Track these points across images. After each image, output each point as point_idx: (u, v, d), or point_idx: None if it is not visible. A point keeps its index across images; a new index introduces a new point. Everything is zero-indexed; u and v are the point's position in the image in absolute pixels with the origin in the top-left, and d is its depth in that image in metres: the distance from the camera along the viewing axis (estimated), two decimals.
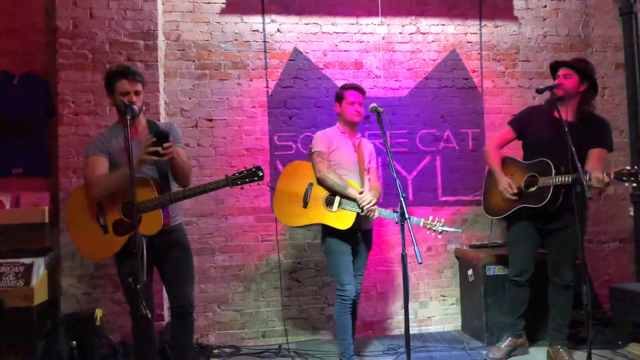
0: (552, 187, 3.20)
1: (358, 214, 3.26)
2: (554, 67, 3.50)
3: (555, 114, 3.29)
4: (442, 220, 3.28)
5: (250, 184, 2.85)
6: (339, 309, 3.34)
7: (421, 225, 3.27)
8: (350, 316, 3.35)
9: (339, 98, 3.51)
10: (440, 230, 3.24)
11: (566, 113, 3.20)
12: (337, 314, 3.35)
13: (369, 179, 3.52)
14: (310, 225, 3.44)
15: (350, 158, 3.44)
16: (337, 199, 3.30)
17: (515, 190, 3.38)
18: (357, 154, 3.48)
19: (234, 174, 2.84)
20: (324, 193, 3.34)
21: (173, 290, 3.06)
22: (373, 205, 3.25)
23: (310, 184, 3.38)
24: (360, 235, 3.46)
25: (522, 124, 3.57)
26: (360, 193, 3.25)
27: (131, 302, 2.87)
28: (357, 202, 3.24)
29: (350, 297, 3.31)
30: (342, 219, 3.27)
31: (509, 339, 3.63)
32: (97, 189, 2.84)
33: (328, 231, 3.38)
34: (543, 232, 3.46)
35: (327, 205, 3.32)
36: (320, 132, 3.52)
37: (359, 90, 3.49)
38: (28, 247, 3.84)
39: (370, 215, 3.25)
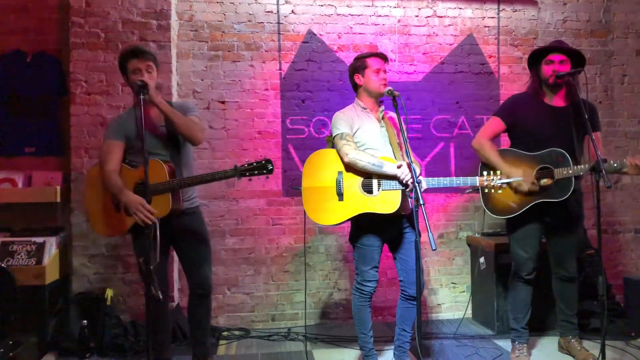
0: (573, 177, 3.10)
1: (403, 191, 2.85)
2: (541, 52, 3.30)
3: (545, 100, 3.28)
4: (498, 172, 2.98)
5: (259, 177, 2.82)
6: (357, 302, 3.04)
7: (477, 184, 2.95)
8: (369, 309, 3.05)
9: (361, 68, 3.05)
10: (499, 185, 2.91)
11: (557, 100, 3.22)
12: (356, 307, 3.05)
13: (402, 155, 3.02)
14: (354, 218, 2.97)
15: (377, 134, 3.01)
16: (375, 181, 2.90)
17: (535, 183, 3.15)
18: (386, 128, 3.06)
19: (242, 165, 2.78)
20: (358, 178, 2.93)
21: (191, 272, 3.07)
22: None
23: (340, 173, 2.95)
24: (405, 220, 3.04)
25: (512, 114, 3.35)
26: (399, 167, 2.81)
27: (145, 282, 2.88)
28: (398, 178, 2.82)
29: (370, 292, 3.02)
30: (387, 201, 2.86)
31: (522, 344, 3.40)
32: (103, 181, 2.89)
33: (361, 223, 2.98)
34: (549, 226, 3.33)
35: (365, 192, 2.92)
36: (339, 112, 3.07)
37: (383, 57, 3.08)
38: (40, 226, 3.84)
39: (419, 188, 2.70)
